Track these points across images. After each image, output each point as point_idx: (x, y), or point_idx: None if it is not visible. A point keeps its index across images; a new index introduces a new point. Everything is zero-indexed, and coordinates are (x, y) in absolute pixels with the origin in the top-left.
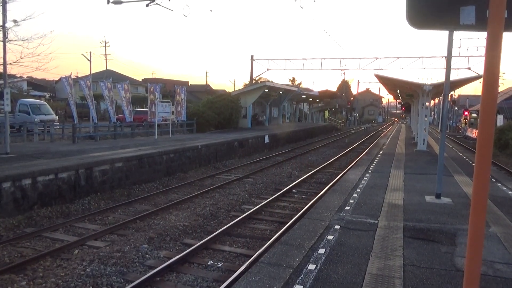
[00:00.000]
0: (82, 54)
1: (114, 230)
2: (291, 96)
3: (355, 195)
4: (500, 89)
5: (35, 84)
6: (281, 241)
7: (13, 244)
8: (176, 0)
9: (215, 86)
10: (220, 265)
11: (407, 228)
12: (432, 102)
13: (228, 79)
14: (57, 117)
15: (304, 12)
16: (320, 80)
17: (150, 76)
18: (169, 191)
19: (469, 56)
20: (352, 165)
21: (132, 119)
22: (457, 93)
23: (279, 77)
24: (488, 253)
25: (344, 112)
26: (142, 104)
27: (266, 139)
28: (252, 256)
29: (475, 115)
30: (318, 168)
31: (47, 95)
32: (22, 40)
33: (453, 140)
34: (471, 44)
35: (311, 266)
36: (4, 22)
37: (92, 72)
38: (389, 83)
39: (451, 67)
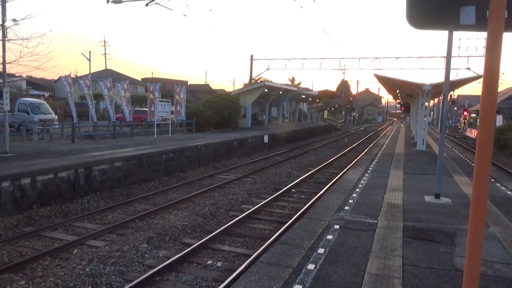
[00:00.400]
0: (82, 54)
1: (114, 230)
2: (291, 96)
3: (354, 195)
4: (500, 89)
5: (35, 83)
6: (281, 240)
7: (12, 243)
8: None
9: (215, 85)
10: (220, 264)
11: (406, 228)
12: (431, 102)
13: (228, 78)
14: (57, 116)
15: (303, 12)
16: (319, 80)
17: (150, 76)
18: (168, 191)
19: (468, 56)
20: (352, 165)
21: (131, 118)
22: (456, 93)
23: (279, 77)
24: (487, 253)
25: (343, 112)
26: (142, 103)
27: (266, 138)
28: (252, 255)
29: (474, 115)
30: (318, 168)
31: (46, 94)
32: (21, 39)
33: (452, 140)
34: (470, 44)
35: (311, 266)
36: (3, 21)
37: (91, 72)
38: (389, 83)
39: (451, 67)
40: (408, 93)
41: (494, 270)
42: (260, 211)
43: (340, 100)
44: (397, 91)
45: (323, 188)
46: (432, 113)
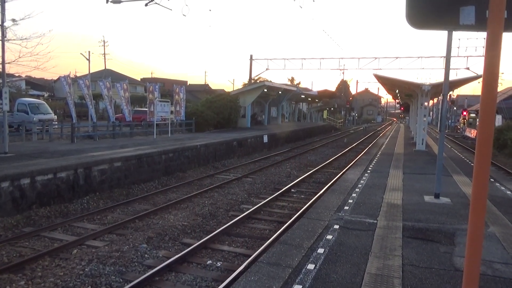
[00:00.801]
0: (81, 54)
1: (113, 230)
2: (290, 95)
3: (354, 195)
4: (499, 89)
5: (34, 84)
6: (280, 240)
7: (11, 243)
8: (175, 0)
9: (214, 85)
10: (219, 264)
11: (406, 228)
12: (431, 102)
13: (227, 78)
14: (56, 116)
15: (303, 11)
16: (319, 79)
17: (149, 76)
18: (168, 191)
19: (467, 56)
20: (351, 165)
21: (131, 118)
22: (455, 93)
23: (278, 77)
24: (487, 253)
25: (343, 112)
26: (141, 103)
27: (265, 138)
28: (251, 255)
29: (474, 115)
30: (317, 168)
31: (45, 95)
32: (20, 39)
33: (452, 140)
34: (470, 44)
35: (310, 266)
36: (2, 21)
37: (91, 72)
38: (388, 83)
39: (450, 67)
40: (407, 93)
41: (494, 270)
42: (259, 211)
43: (339, 100)
44: (397, 91)
45: (323, 188)
46: (431, 113)
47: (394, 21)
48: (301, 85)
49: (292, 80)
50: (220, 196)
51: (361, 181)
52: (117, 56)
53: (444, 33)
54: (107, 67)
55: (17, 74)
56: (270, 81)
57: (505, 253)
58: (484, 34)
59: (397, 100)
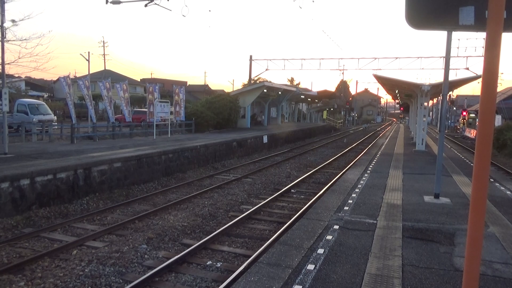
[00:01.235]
0: (81, 54)
1: (113, 231)
2: (290, 96)
3: (354, 195)
4: (499, 89)
5: (33, 84)
6: (280, 241)
7: (11, 244)
8: (175, 0)
9: (214, 86)
10: (219, 265)
11: (406, 228)
12: (430, 102)
13: (227, 79)
14: (56, 117)
15: (303, 12)
16: (318, 80)
17: (149, 76)
18: (167, 191)
19: (467, 57)
20: (351, 165)
21: (131, 119)
22: (455, 93)
23: (278, 77)
24: (486, 253)
25: (342, 112)
26: (141, 104)
27: (265, 139)
28: (251, 256)
29: (473, 115)
30: (317, 168)
31: (45, 95)
32: (20, 40)
33: (452, 140)
34: (469, 44)
35: (310, 266)
36: (2, 22)
37: (90, 72)
38: (388, 83)
39: (450, 67)
40: (407, 93)
41: (494, 270)
42: (259, 211)
43: (339, 100)
44: (396, 91)
45: (323, 189)
46: (431, 113)
47: (394, 21)
48: (301, 86)
49: (291, 80)
50: (220, 197)
51: (361, 182)
52: (116, 57)
53: (444, 33)
54: (106, 68)
55: (16, 75)
56: (270, 82)
57: (504, 253)
58: (483, 34)
59: (396, 100)
